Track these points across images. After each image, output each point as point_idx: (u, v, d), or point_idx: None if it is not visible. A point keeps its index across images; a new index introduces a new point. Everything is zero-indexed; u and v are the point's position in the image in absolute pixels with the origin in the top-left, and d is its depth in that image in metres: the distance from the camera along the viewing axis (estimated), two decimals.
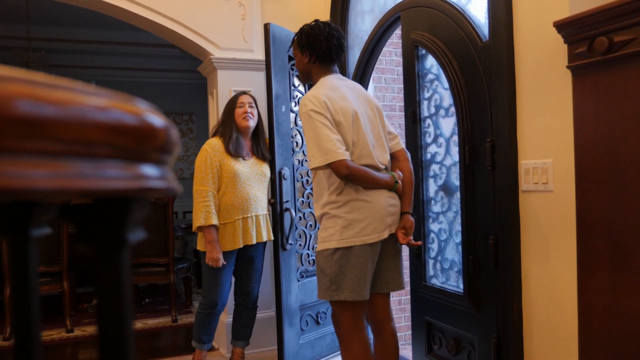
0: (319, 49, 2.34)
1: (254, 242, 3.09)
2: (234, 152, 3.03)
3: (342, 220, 2.18)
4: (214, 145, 3.05)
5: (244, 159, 3.08)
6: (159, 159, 0.45)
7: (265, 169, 3.18)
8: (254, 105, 3.16)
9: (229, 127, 3.08)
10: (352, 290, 2.17)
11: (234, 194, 3.01)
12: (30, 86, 0.33)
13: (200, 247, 3.08)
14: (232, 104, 3.14)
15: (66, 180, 0.35)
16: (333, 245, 2.19)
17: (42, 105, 0.33)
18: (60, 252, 4.26)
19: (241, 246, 3.04)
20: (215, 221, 2.95)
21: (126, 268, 0.43)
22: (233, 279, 3.23)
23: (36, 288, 0.54)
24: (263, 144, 3.21)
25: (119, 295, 0.42)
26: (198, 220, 2.95)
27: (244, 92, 3.22)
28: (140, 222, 0.45)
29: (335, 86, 2.29)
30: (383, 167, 2.31)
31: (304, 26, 2.43)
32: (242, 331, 3.25)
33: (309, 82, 2.49)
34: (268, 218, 3.22)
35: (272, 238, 3.20)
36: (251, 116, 3.10)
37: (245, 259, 3.16)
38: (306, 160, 3.40)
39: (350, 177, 2.14)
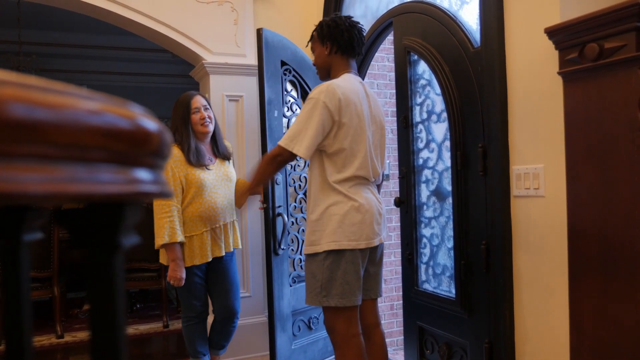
0: (340, 38, 2.31)
1: (223, 253, 2.94)
2: (196, 163, 2.86)
3: (333, 222, 2.18)
4: (174, 155, 2.85)
5: (208, 168, 2.91)
6: (152, 163, 0.45)
7: (230, 171, 3.05)
8: (208, 107, 2.98)
9: (185, 135, 2.87)
10: (342, 296, 2.16)
11: (200, 204, 2.85)
12: (24, 89, 0.33)
13: (163, 260, 2.91)
14: (186, 109, 2.92)
15: (59, 184, 0.35)
16: (324, 247, 2.17)
17: (36, 109, 0.33)
18: (50, 257, 4.23)
19: (210, 259, 2.90)
20: (180, 238, 2.78)
21: (120, 273, 0.43)
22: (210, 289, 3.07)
23: (27, 293, 0.53)
24: (221, 143, 3.06)
25: (112, 300, 0.42)
26: (161, 238, 2.74)
27: (195, 94, 3.00)
28: (133, 226, 0.45)
29: (355, 90, 2.25)
30: (373, 179, 2.33)
31: (323, 20, 2.41)
32: (220, 343, 3.12)
33: (327, 78, 2.39)
34: (235, 224, 3.08)
35: (240, 246, 3.09)
36: (209, 120, 2.93)
37: (218, 274, 2.99)
38: (298, 165, 3.40)
39: (272, 164, 2.22)
